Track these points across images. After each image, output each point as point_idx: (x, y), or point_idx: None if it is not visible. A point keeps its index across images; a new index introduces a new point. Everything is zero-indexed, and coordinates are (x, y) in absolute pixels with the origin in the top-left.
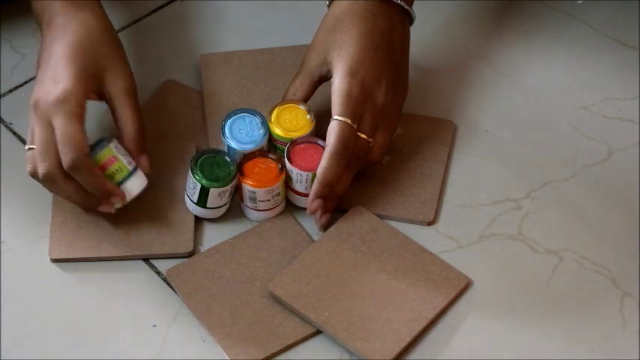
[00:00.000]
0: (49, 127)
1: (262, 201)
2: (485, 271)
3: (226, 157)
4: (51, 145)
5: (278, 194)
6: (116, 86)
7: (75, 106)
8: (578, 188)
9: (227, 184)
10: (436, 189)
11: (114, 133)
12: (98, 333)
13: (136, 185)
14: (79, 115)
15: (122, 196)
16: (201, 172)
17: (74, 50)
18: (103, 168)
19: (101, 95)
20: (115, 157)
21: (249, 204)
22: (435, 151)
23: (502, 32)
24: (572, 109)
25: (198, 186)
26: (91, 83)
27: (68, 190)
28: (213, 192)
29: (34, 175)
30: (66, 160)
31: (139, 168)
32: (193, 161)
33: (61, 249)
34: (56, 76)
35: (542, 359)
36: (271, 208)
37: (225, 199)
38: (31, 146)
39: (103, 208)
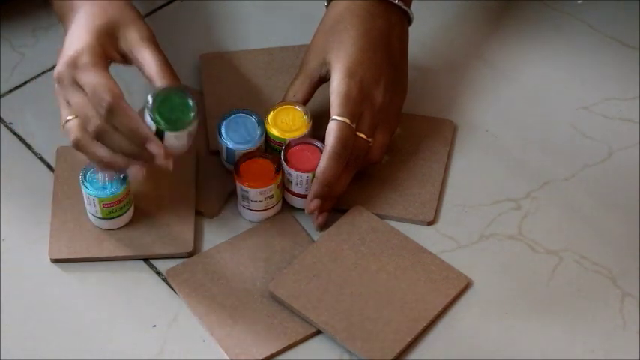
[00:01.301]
0: (80, 89)
1: (255, 201)
2: (485, 271)
3: (189, 101)
4: (89, 104)
5: (271, 196)
6: (131, 37)
7: (93, 56)
8: (578, 188)
9: (183, 128)
10: (436, 189)
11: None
12: (98, 333)
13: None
14: (99, 65)
15: (158, 145)
16: (160, 114)
17: (87, 20)
18: None
19: (122, 54)
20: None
21: (242, 203)
22: (434, 150)
23: (502, 32)
24: (572, 109)
25: (154, 127)
26: (107, 42)
27: (118, 141)
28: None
29: (78, 144)
30: (102, 108)
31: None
32: (153, 100)
33: (61, 249)
34: (72, 43)
35: (542, 359)
36: (264, 210)
37: (183, 141)
38: (68, 118)
39: (135, 168)
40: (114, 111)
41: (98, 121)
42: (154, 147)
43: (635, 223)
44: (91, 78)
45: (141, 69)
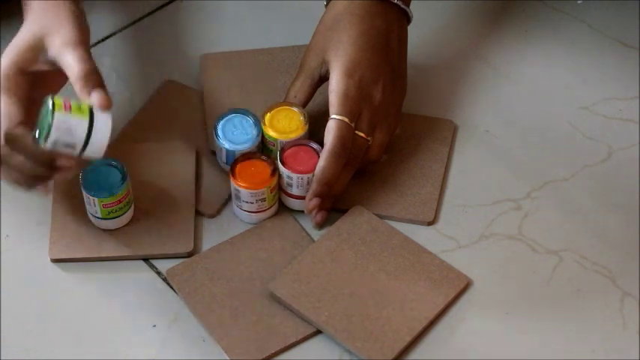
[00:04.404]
0: None
1: (246, 202)
2: (485, 271)
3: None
4: None
5: (263, 199)
6: (55, 44)
7: (4, 80)
8: (578, 188)
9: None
10: (436, 189)
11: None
12: (98, 333)
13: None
14: (8, 89)
15: (70, 162)
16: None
17: (20, 32)
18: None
19: (51, 63)
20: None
21: (236, 202)
22: (434, 150)
23: (502, 32)
24: (572, 109)
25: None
26: (29, 57)
27: (17, 164)
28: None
29: None
30: (2, 134)
31: (94, 108)
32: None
33: (61, 249)
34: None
35: (542, 359)
36: (256, 212)
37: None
38: None
39: (40, 189)
40: (11, 139)
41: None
42: (65, 162)
43: (635, 223)
44: (3, 101)
45: (67, 74)
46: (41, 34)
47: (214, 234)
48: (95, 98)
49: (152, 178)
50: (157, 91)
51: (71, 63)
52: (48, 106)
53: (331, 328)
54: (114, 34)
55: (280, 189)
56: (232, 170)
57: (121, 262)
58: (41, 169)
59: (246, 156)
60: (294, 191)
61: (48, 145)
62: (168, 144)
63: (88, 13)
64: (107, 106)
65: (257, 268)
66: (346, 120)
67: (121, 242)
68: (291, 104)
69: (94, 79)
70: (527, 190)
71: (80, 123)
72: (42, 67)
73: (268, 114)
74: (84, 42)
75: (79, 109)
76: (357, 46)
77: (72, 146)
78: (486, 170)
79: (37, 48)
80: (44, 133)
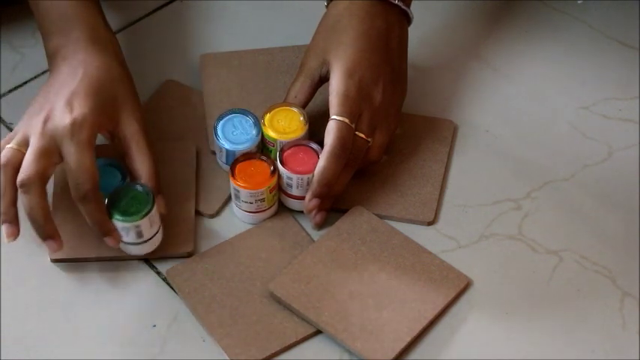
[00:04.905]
0: (54, 146)
1: (245, 202)
2: (485, 271)
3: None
4: (44, 157)
5: (262, 200)
6: (132, 127)
7: (90, 135)
8: (578, 188)
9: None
10: (436, 189)
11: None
12: (98, 333)
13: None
14: (92, 146)
15: (116, 240)
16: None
17: (96, 86)
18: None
19: (113, 134)
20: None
21: (235, 201)
22: (434, 150)
23: (502, 32)
24: (572, 109)
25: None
26: (106, 120)
27: (34, 202)
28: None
29: (5, 166)
30: (80, 190)
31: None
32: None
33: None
34: (73, 103)
35: (542, 359)
36: (255, 212)
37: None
38: (13, 146)
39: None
40: (88, 199)
41: (34, 176)
42: (112, 241)
43: (635, 223)
44: (80, 156)
45: (130, 160)
46: (118, 107)
47: (214, 234)
48: (161, 204)
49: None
50: (156, 91)
51: (145, 159)
52: (148, 199)
53: (331, 328)
54: (114, 33)
55: (280, 189)
56: (232, 170)
57: (121, 262)
58: (96, 227)
59: (246, 156)
60: (294, 192)
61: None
62: (168, 144)
63: None
64: (164, 211)
65: (257, 268)
66: (346, 121)
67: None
68: (290, 105)
69: (159, 183)
70: (527, 190)
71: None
72: (104, 133)
73: (268, 114)
74: (147, 129)
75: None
76: (357, 47)
77: (133, 236)
78: (486, 170)
79: (115, 120)
80: (136, 214)
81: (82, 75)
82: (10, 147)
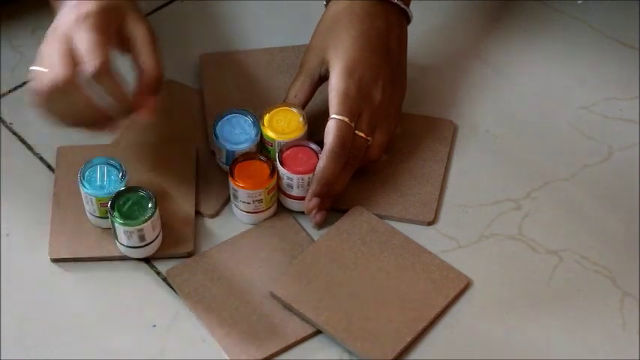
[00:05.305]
0: (68, 41)
1: (243, 202)
2: (485, 271)
3: (148, 199)
4: (68, 56)
5: (260, 200)
6: (139, 29)
7: (96, 20)
8: (578, 188)
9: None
10: (436, 189)
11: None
12: (98, 333)
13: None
14: (99, 29)
15: (150, 108)
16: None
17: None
18: None
19: (121, 40)
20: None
21: (234, 201)
22: (434, 151)
23: (502, 32)
24: (572, 109)
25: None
26: (113, 21)
27: (82, 100)
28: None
29: (40, 91)
30: (92, 65)
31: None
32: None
33: (61, 249)
34: (78, 7)
35: (542, 359)
36: (253, 212)
37: (134, 240)
38: (40, 68)
39: (111, 128)
40: (104, 72)
41: (69, 75)
42: (146, 113)
43: (635, 223)
44: (90, 36)
45: (137, 61)
46: (122, 12)
47: (214, 234)
48: (152, 103)
49: (152, 178)
50: None
51: (152, 61)
52: (151, 203)
53: (331, 328)
54: None
55: (280, 190)
56: (231, 170)
57: (121, 262)
58: (122, 108)
59: (246, 156)
60: (295, 192)
61: None
62: (168, 145)
63: None
64: (153, 114)
65: (257, 268)
66: (346, 120)
67: None
68: (290, 105)
69: (161, 86)
70: (527, 190)
71: None
72: (112, 38)
73: (267, 114)
74: (155, 35)
75: None
76: (357, 46)
77: (136, 240)
78: (486, 170)
79: (121, 23)
80: (139, 218)
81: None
82: (34, 69)
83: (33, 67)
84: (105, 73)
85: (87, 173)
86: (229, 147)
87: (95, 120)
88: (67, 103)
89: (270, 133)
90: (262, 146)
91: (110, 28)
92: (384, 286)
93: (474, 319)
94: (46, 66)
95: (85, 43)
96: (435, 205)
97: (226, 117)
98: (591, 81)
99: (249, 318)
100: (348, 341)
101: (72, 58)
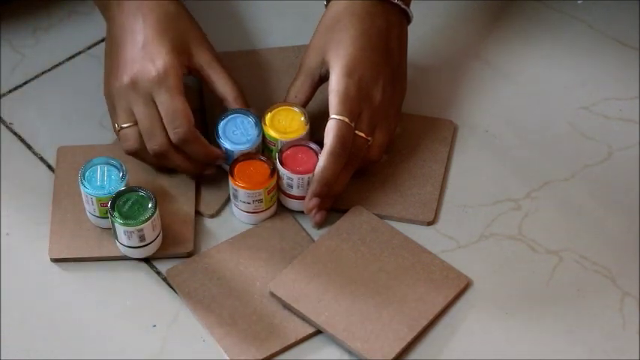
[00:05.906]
0: (153, 104)
1: (243, 202)
2: (485, 272)
3: (149, 199)
4: (158, 122)
5: (260, 200)
6: (205, 55)
7: (176, 80)
8: (578, 188)
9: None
10: (436, 189)
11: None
12: (98, 333)
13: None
14: (180, 89)
15: (223, 157)
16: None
17: (161, 27)
18: None
19: (190, 68)
20: None
21: (234, 200)
22: (434, 151)
23: (502, 32)
24: (572, 109)
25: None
26: (183, 57)
27: (177, 161)
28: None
29: (134, 152)
30: (176, 134)
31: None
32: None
33: (61, 249)
34: (152, 54)
35: (542, 359)
36: (252, 212)
37: (134, 240)
38: (125, 125)
39: (209, 171)
40: (188, 140)
41: (164, 141)
42: (222, 161)
43: (635, 223)
44: (171, 102)
45: (213, 86)
46: (186, 40)
47: (214, 234)
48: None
49: (152, 178)
50: None
51: (226, 80)
52: (151, 202)
53: (331, 328)
54: None
55: (280, 190)
56: (231, 170)
57: (121, 262)
58: (200, 164)
59: (246, 156)
60: (295, 192)
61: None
62: None
63: (89, 14)
64: None
65: (257, 268)
66: (346, 120)
67: None
68: (291, 104)
69: (246, 99)
70: (527, 190)
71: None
72: (185, 71)
73: (269, 114)
74: (220, 56)
75: None
76: (357, 46)
77: (136, 240)
78: (486, 170)
79: (188, 53)
80: (139, 218)
81: (145, 22)
82: (126, 127)
83: (121, 125)
84: (188, 140)
85: (87, 173)
86: (231, 147)
87: (194, 169)
88: (165, 162)
89: (272, 133)
90: (264, 146)
91: (183, 74)
92: (384, 286)
93: (473, 319)
94: (137, 125)
95: (168, 110)
96: (435, 205)
97: (228, 117)
98: (591, 81)
99: (248, 318)
100: (348, 341)
101: (160, 123)
